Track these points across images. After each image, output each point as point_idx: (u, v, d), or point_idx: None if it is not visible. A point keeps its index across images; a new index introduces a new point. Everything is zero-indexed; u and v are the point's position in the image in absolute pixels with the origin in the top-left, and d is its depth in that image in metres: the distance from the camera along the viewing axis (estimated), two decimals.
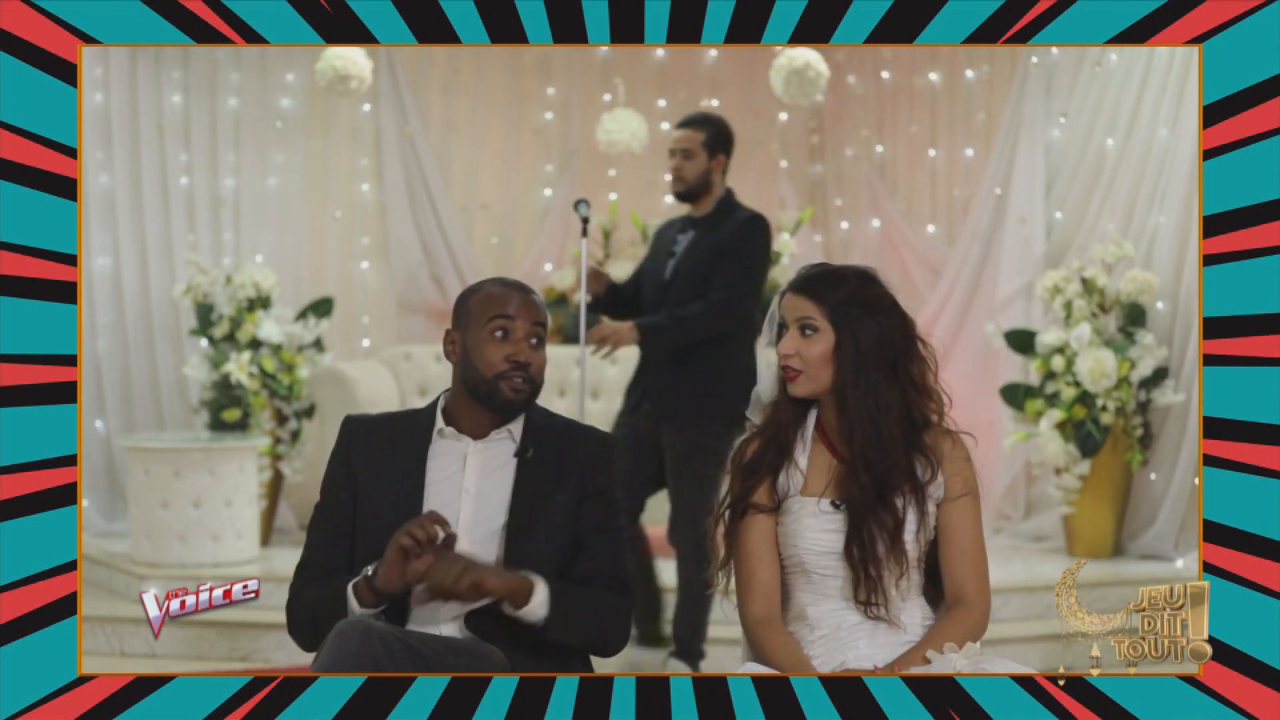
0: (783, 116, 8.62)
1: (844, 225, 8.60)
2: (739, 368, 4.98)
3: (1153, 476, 6.73)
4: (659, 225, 5.62)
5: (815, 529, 3.03)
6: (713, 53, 8.58)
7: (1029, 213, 7.36)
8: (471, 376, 3.18)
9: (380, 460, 3.23)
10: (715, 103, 8.62)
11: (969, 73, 7.84)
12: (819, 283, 3.05)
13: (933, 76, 8.04)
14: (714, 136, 5.27)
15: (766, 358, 3.14)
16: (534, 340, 3.19)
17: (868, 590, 3.00)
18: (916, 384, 3.04)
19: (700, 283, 5.19)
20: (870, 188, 8.36)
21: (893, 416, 3.01)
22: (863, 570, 2.99)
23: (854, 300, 3.02)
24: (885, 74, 8.25)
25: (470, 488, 3.19)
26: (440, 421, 3.24)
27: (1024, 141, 7.41)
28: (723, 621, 5.73)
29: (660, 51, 8.48)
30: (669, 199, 8.35)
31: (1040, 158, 7.41)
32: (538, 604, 3.04)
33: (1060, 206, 7.35)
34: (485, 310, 3.19)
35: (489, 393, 3.17)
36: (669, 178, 5.39)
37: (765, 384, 3.13)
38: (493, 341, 3.16)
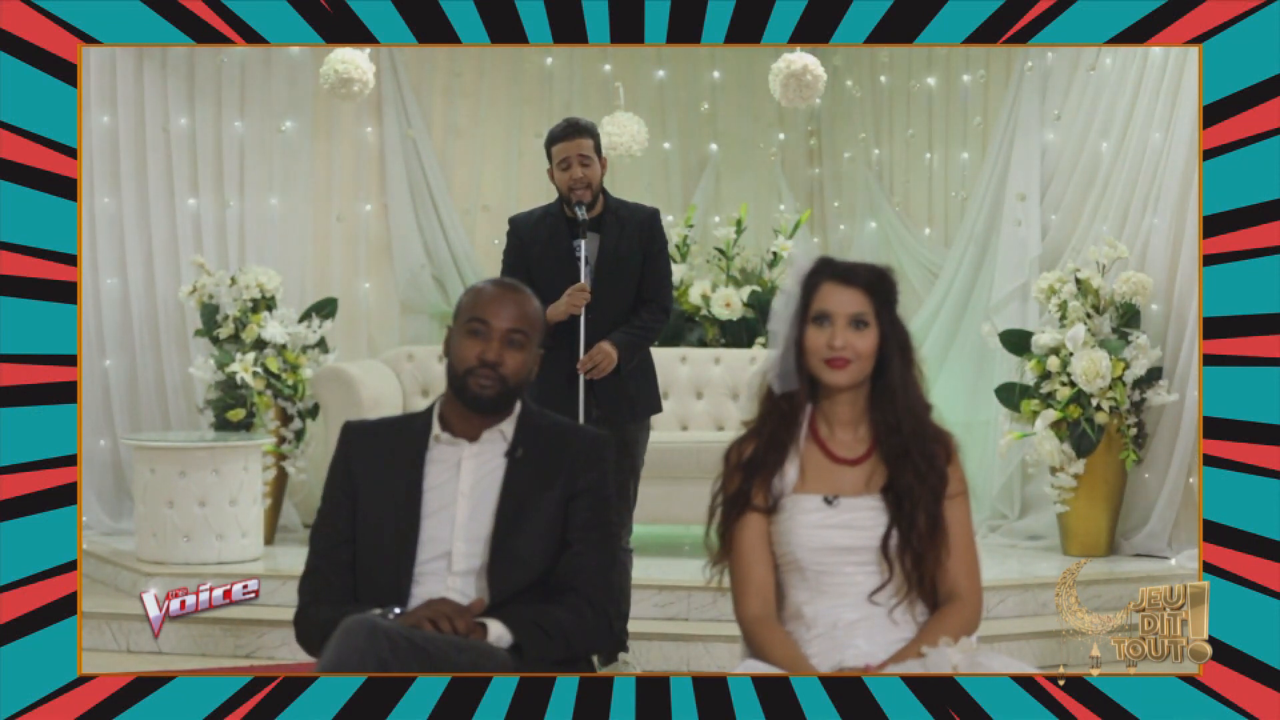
0: (780, 120, 8.64)
1: (841, 227, 8.61)
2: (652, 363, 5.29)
3: (1146, 475, 6.73)
4: (521, 225, 5.27)
5: (810, 526, 3.03)
6: (711, 55, 8.58)
7: (1024, 215, 7.36)
8: (449, 371, 3.24)
9: (379, 466, 3.24)
10: (714, 106, 8.63)
11: (965, 77, 7.83)
12: (866, 277, 3.06)
13: (930, 80, 8.04)
14: (598, 140, 5.24)
15: (769, 352, 3.13)
16: (513, 342, 3.21)
17: (900, 582, 2.99)
18: (917, 374, 3.10)
19: (627, 284, 5.17)
20: (868, 190, 8.36)
21: (923, 405, 3.08)
22: (900, 561, 3.00)
23: (891, 295, 3.08)
24: (883, 78, 8.25)
25: (466, 490, 3.20)
26: (436, 427, 3.26)
27: (1019, 144, 7.41)
28: (723, 620, 5.77)
29: (660, 58, 8.48)
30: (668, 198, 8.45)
31: (1035, 160, 7.41)
32: (495, 639, 3.05)
33: (1055, 209, 7.35)
34: (467, 309, 3.24)
35: (460, 388, 3.21)
36: (568, 187, 5.12)
37: (776, 374, 3.12)
38: (469, 339, 3.21)
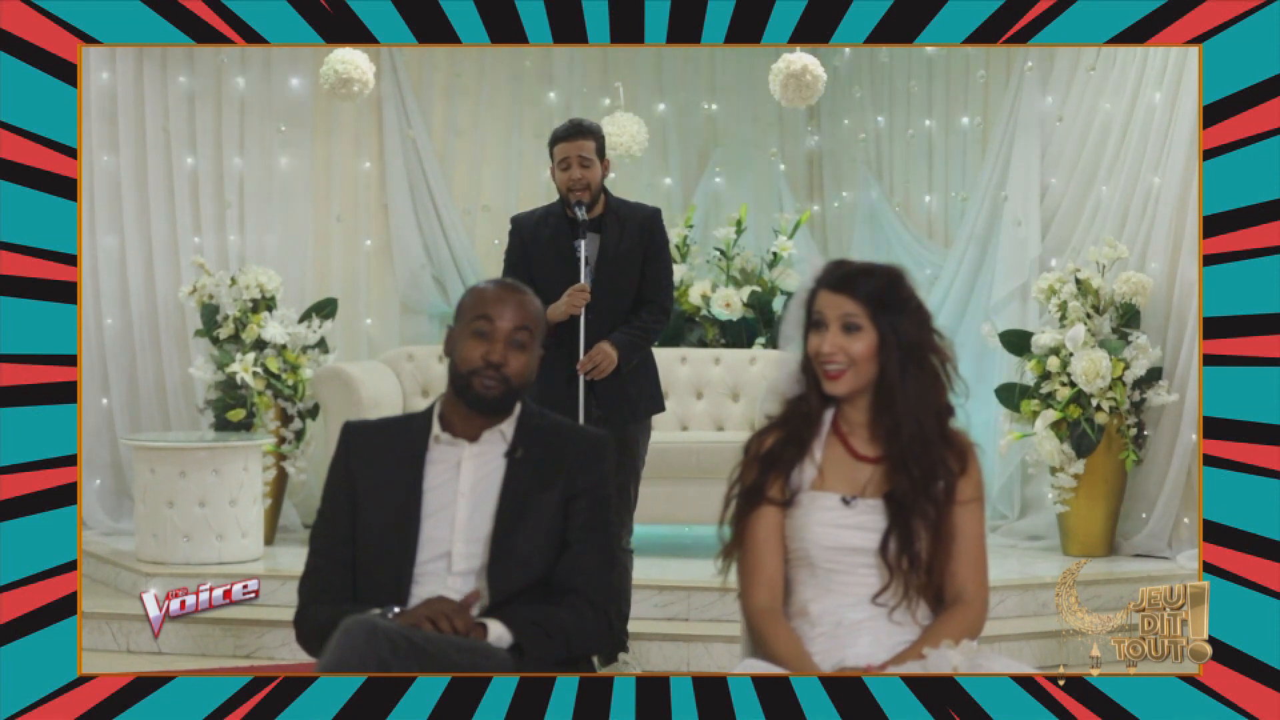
0: (780, 120, 8.65)
1: (841, 226, 8.62)
2: (654, 363, 5.29)
3: (1146, 476, 6.74)
4: (523, 224, 5.28)
5: (825, 524, 3.02)
6: (711, 56, 8.59)
7: (1024, 215, 7.36)
8: (452, 371, 3.24)
9: (378, 466, 3.24)
10: (714, 106, 8.62)
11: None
12: (859, 280, 3.05)
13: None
14: (600, 142, 5.23)
15: (787, 355, 3.13)
16: (517, 342, 3.21)
17: (899, 585, 2.98)
18: (940, 376, 3.07)
19: (627, 284, 5.17)
20: (867, 189, 8.37)
21: (932, 410, 3.04)
22: (897, 566, 2.98)
23: (892, 297, 3.05)
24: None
25: (466, 490, 3.20)
26: (436, 427, 3.26)
27: (1019, 144, 7.41)
28: (723, 620, 5.77)
29: (661, 56, 8.49)
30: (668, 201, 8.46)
31: (1035, 160, 7.41)
32: (495, 639, 3.05)
33: (1055, 209, 7.35)
34: (471, 309, 3.24)
35: (463, 388, 3.21)
36: (567, 188, 5.12)
37: (785, 380, 3.13)
38: (473, 339, 3.21)
